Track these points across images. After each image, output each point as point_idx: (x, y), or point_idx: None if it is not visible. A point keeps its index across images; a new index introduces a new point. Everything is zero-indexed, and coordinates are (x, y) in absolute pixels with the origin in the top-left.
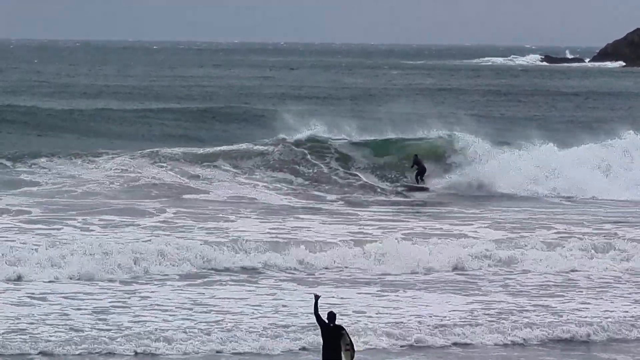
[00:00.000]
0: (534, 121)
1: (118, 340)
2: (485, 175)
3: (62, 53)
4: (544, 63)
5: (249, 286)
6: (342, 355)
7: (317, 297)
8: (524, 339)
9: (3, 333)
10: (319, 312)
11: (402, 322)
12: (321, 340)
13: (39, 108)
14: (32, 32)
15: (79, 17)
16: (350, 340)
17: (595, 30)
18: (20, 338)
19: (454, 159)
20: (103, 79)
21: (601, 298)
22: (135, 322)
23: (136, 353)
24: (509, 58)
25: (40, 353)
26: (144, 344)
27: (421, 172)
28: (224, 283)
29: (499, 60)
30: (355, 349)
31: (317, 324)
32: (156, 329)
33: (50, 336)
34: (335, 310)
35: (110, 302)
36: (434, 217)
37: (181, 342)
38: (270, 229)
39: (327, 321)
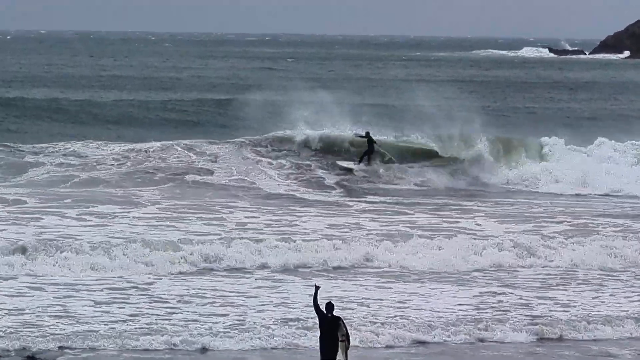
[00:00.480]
0: (543, 113)
1: (130, 334)
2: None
3: (62, 44)
4: (551, 55)
5: (245, 279)
6: (339, 347)
7: (317, 288)
8: (530, 334)
9: (11, 326)
10: (318, 303)
11: (408, 316)
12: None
13: (40, 99)
14: (27, 24)
15: (76, 8)
16: (347, 331)
17: (588, 22)
18: (28, 331)
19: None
20: (105, 70)
21: (605, 293)
22: (141, 315)
23: (156, 349)
24: (515, 50)
25: (60, 348)
26: (161, 338)
27: (369, 152)
28: (219, 275)
29: (505, 52)
30: (351, 341)
31: (315, 314)
32: (158, 322)
33: (62, 330)
34: (336, 303)
35: (110, 295)
36: (433, 210)
37: (192, 336)
38: (268, 221)
39: (325, 311)
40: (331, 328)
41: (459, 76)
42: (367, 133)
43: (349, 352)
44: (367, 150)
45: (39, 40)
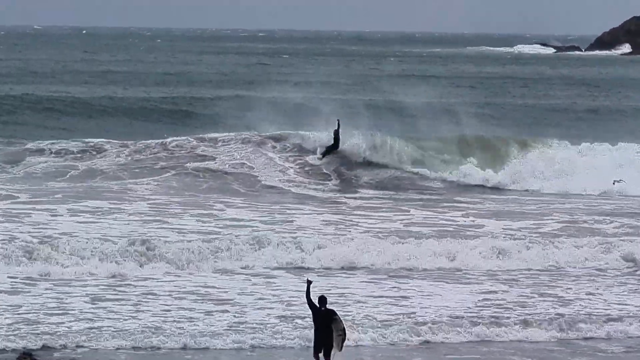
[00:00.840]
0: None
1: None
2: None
3: (56, 40)
4: (549, 51)
5: (241, 277)
6: (334, 341)
7: (309, 282)
8: (530, 332)
9: (7, 323)
10: (311, 297)
11: (410, 314)
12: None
13: (36, 95)
14: (22, 19)
15: (73, 4)
16: (343, 325)
17: (581, 19)
18: (26, 328)
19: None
20: (100, 65)
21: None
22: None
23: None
24: (510, 47)
25: (56, 346)
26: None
27: (333, 147)
28: (214, 272)
29: (502, 48)
30: (348, 338)
31: (308, 308)
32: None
33: (59, 327)
34: (337, 301)
35: (106, 292)
36: (428, 206)
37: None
38: (263, 217)
39: (318, 305)
40: (325, 321)
41: (455, 72)
42: (337, 132)
43: (344, 344)
44: (332, 145)
45: (33, 35)
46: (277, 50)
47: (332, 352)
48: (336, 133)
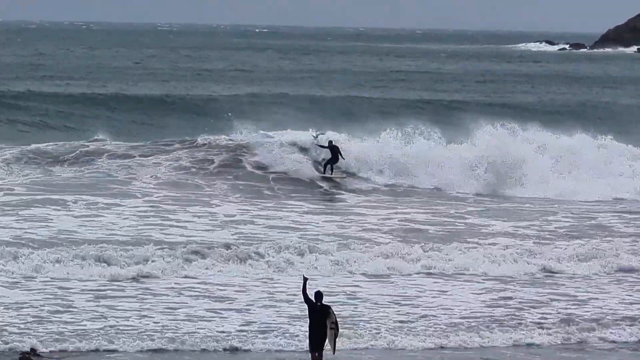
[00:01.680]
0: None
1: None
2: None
3: (61, 35)
4: (558, 49)
5: (244, 276)
6: (327, 334)
7: (305, 279)
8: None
9: (28, 322)
10: (307, 292)
11: (423, 316)
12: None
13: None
14: (18, 14)
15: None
16: (336, 319)
17: (581, 16)
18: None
19: None
20: (113, 61)
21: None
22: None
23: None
24: (516, 44)
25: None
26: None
27: (332, 161)
28: (215, 272)
29: (508, 46)
30: (340, 329)
31: (305, 303)
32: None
33: (64, 327)
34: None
35: (113, 291)
36: (431, 205)
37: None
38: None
39: (314, 300)
40: (321, 317)
41: (458, 70)
42: (330, 142)
43: (337, 339)
44: (331, 159)
45: (35, 30)
46: (283, 46)
47: (326, 346)
48: (330, 143)
